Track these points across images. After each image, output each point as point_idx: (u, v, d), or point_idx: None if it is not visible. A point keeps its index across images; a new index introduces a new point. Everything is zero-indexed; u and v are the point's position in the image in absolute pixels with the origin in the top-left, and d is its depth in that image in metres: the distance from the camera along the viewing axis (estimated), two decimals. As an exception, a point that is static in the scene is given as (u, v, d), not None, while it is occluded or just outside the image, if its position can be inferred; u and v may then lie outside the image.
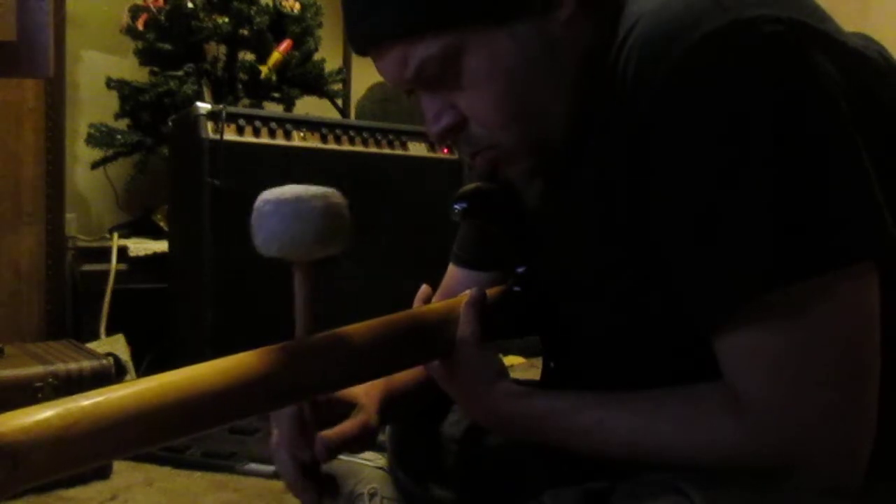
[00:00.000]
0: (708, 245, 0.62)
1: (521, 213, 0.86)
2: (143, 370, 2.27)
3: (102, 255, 2.45)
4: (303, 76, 2.88)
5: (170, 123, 2.31)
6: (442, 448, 0.95)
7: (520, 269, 0.86)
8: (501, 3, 0.67)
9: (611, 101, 0.66)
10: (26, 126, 2.29)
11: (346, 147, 2.26)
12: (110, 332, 2.34)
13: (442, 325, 0.76)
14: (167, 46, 2.68)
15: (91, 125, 2.70)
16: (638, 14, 0.65)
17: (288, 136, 2.15)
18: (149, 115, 2.68)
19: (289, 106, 2.89)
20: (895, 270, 0.61)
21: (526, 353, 2.56)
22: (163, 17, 2.69)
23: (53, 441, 0.49)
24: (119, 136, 2.69)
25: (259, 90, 2.79)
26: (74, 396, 0.52)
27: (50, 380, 1.54)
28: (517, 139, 0.71)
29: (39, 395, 1.52)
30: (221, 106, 2.07)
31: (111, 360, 1.68)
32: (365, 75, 3.25)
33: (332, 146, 2.23)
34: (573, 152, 0.73)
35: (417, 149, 2.42)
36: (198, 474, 1.62)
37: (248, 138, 2.08)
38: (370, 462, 1.10)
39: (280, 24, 2.82)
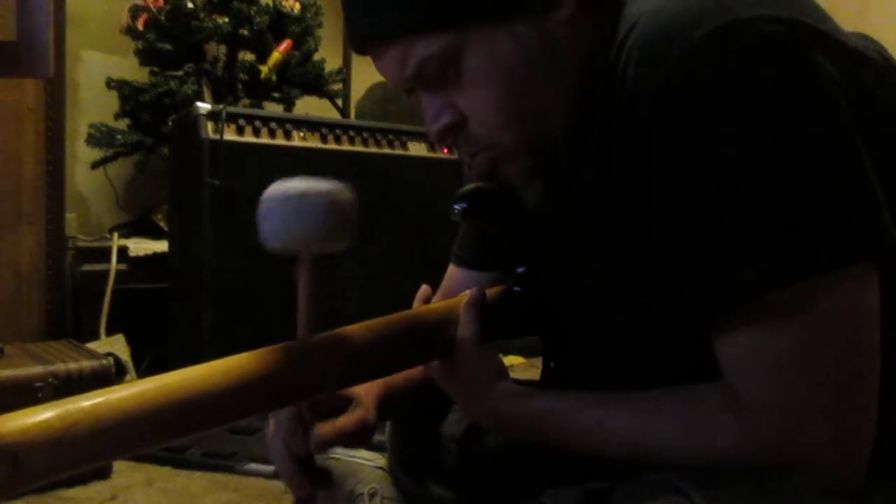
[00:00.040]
0: (708, 245, 0.62)
1: (521, 213, 0.86)
2: (143, 370, 2.27)
3: (102, 255, 2.45)
4: (303, 76, 2.88)
5: (170, 123, 2.31)
6: (442, 448, 0.95)
7: (520, 269, 0.86)
8: (501, 2, 0.67)
9: (611, 101, 0.66)
10: (26, 126, 2.29)
11: (346, 147, 2.26)
12: (110, 332, 2.34)
13: (442, 325, 0.76)
14: (167, 46, 2.68)
15: (91, 125, 2.70)
16: (638, 14, 0.65)
17: (288, 136, 2.15)
18: (149, 115, 2.68)
19: (289, 106, 2.89)
20: (895, 270, 0.61)
21: (526, 353, 2.56)
22: (163, 17, 2.69)
23: (53, 442, 0.49)
24: (119, 136, 2.69)
25: (259, 90, 2.79)
26: (75, 397, 0.52)
27: (50, 380, 1.54)
28: (517, 139, 0.71)
29: (39, 395, 1.51)
30: (221, 106, 2.06)
31: (111, 360, 1.68)
32: (365, 75, 3.25)
33: (332, 146, 2.23)
34: (573, 152, 0.72)
35: (417, 149, 2.42)
36: (198, 474, 1.61)
37: (248, 138, 2.08)
38: (370, 462, 1.10)
39: (280, 24, 2.82)
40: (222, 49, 2.83)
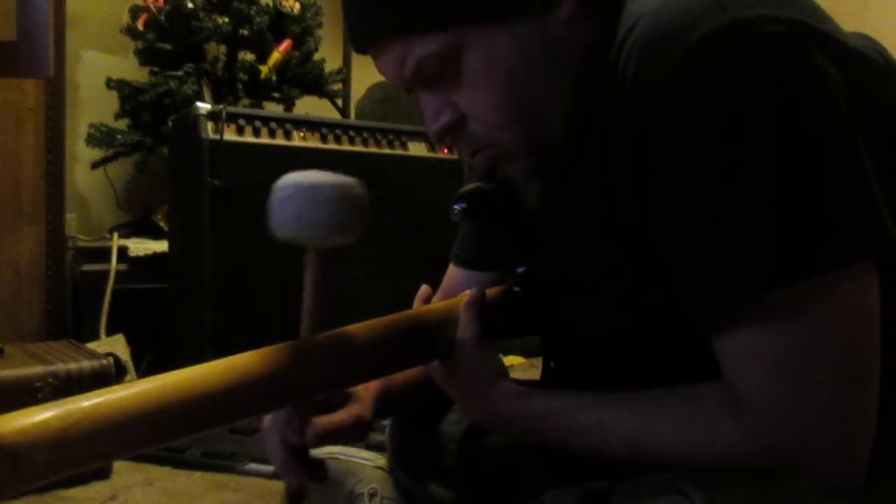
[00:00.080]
0: (708, 245, 0.62)
1: (521, 213, 0.86)
2: (143, 370, 2.27)
3: (102, 255, 2.45)
4: (303, 76, 2.88)
5: (170, 123, 2.31)
6: (442, 448, 0.95)
7: (520, 269, 0.86)
8: (501, 2, 0.67)
9: (611, 101, 0.66)
10: (26, 126, 2.29)
11: (346, 147, 2.26)
12: (110, 332, 2.34)
13: (442, 325, 0.76)
14: (167, 46, 2.68)
15: (91, 125, 2.70)
16: (638, 14, 0.65)
17: (288, 136, 2.15)
18: (149, 115, 2.68)
19: (289, 106, 2.89)
20: (895, 270, 0.61)
21: (526, 353, 2.56)
22: (163, 17, 2.69)
23: (53, 442, 0.49)
24: (119, 136, 2.69)
25: (259, 90, 2.79)
26: (74, 397, 0.52)
27: (50, 380, 1.54)
28: (516, 138, 0.71)
29: (39, 395, 1.51)
30: (221, 106, 2.06)
31: (111, 360, 1.68)
32: (365, 75, 3.25)
33: (332, 146, 2.23)
34: (573, 152, 0.72)
35: (417, 149, 2.42)
36: (198, 474, 1.61)
37: (248, 138, 2.08)
38: (370, 462, 1.10)
39: (280, 24, 2.82)
40: (222, 49, 2.83)
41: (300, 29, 2.86)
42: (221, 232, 2.00)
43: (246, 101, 2.77)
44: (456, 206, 0.85)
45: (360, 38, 0.72)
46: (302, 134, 2.17)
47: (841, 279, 0.59)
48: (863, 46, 0.68)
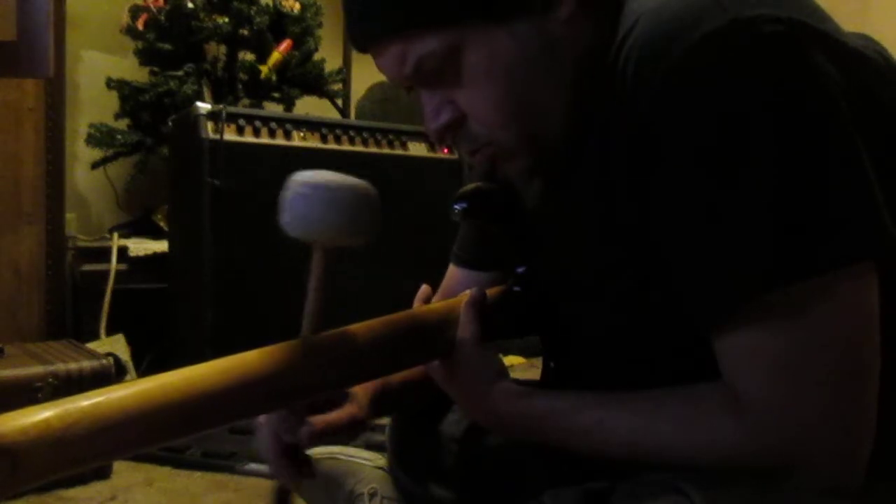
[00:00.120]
0: (708, 245, 0.62)
1: (521, 213, 0.86)
2: (143, 370, 2.27)
3: (102, 255, 2.45)
4: (303, 76, 2.88)
5: (170, 123, 2.31)
6: (442, 448, 0.95)
7: (520, 269, 0.86)
8: (501, 1, 0.67)
9: (611, 100, 0.66)
10: (26, 126, 2.29)
11: (346, 147, 2.26)
12: (110, 332, 2.34)
13: (442, 325, 0.76)
14: (167, 46, 2.68)
15: (91, 125, 2.70)
16: (638, 13, 0.65)
17: (288, 136, 2.15)
18: (149, 115, 2.69)
19: (289, 106, 2.89)
20: (895, 270, 0.61)
21: (526, 353, 2.56)
22: (163, 17, 2.69)
23: (53, 442, 0.49)
24: (119, 136, 2.69)
25: (259, 90, 2.80)
26: (74, 397, 0.52)
27: (50, 380, 1.54)
28: (516, 137, 0.71)
29: (39, 395, 1.51)
30: (221, 106, 2.06)
31: (111, 360, 1.68)
32: (365, 75, 3.25)
33: (332, 146, 2.23)
34: (573, 152, 0.72)
35: (417, 149, 2.42)
36: (198, 474, 1.61)
37: (248, 138, 2.08)
38: (370, 462, 1.10)
39: (280, 24, 2.82)
40: (222, 49, 2.83)
41: (300, 29, 2.86)
42: (221, 232, 2.01)
43: (246, 101, 2.77)
44: (456, 206, 0.85)
45: (360, 37, 0.72)
46: (302, 134, 2.17)
47: (841, 279, 0.59)
48: (863, 46, 0.68)
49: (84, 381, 1.58)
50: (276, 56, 2.77)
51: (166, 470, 1.63)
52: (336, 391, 0.80)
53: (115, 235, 2.55)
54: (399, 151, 2.38)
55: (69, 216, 2.51)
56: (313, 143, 2.19)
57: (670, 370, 0.67)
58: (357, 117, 3.19)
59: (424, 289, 0.86)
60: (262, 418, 0.77)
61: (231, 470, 1.62)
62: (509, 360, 2.52)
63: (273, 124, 2.13)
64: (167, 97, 2.60)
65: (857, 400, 0.60)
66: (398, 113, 2.93)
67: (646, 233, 0.66)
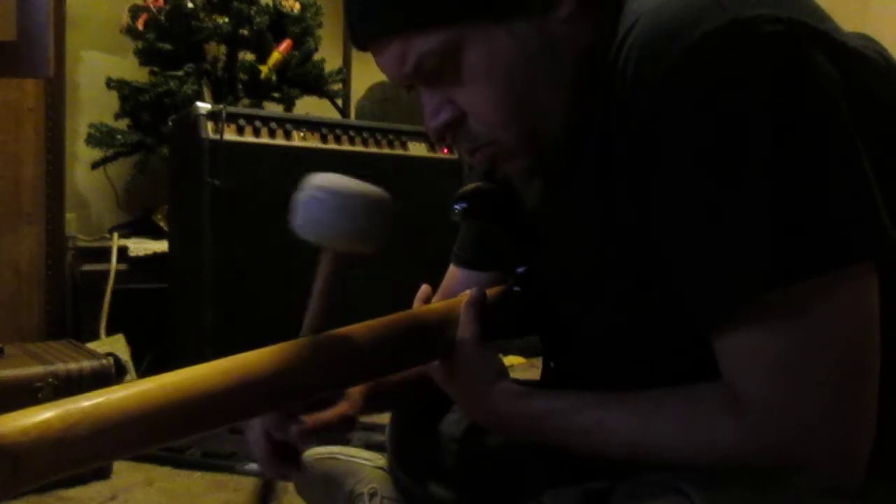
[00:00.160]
0: (708, 245, 0.62)
1: (521, 213, 0.86)
2: (143, 370, 2.27)
3: (102, 255, 2.45)
4: (303, 76, 2.88)
5: (170, 123, 2.31)
6: (442, 448, 0.95)
7: (520, 269, 0.86)
8: (501, 0, 0.67)
9: (611, 100, 0.66)
10: (26, 126, 2.29)
11: (346, 147, 2.26)
12: (110, 332, 2.34)
13: (442, 325, 0.76)
14: (167, 46, 2.68)
15: (91, 125, 2.70)
16: (638, 13, 0.65)
17: (288, 136, 2.15)
18: (149, 115, 2.68)
19: (289, 106, 2.89)
20: (895, 270, 0.61)
21: (526, 353, 2.56)
22: (163, 17, 2.69)
23: (53, 442, 0.49)
24: (119, 136, 2.69)
25: (259, 90, 2.79)
26: (75, 397, 0.52)
27: (50, 380, 1.54)
28: (516, 136, 0.71)
29: (39, 395, 1.51)
30: (221, 106, 2.06)
31: (111, 360, 1.68)
32: (365, 75, 3.25)
33: (332, 146, 2.23)
34: (573, 152, 0.72)
35: (417, 149, 2.42)
36: (198, 474, 1.61)
37: (248, 138, 2.08)
38: (370, 462, 1.10)
39: (280, 24, 2.82)
40: (222, 49, 2.83)
41: (300, 29, 2.86)
42: (221, 232, 2.00)
43: (246, 101, 2.77)
44: (456, 206, 0.85)
45: (360, 35, 0.72)
46: (302, 134, 2.17)
47: (840, 279, 0.59)
48: (863, 46, 0.68)
49: (84, 381, 1.58)
50: (276, 56, 2.77)
51: (166, 470, 1.63)
52: (336, 391, 0.80)
53: (115, 235, 2.55)
54: (399, 151, 2.38)
55: (69, 216, 2.51)
56: (313, 143, 2.19)
57: (670, 370, 0.67)
58: (357, 117, 3.18)
59: (424, 289, 0.86)
60: None
61: (231, 470, 1.62)
62: (509, 360, 2.52)
63: (273, 124, 2.13)
64: (167, 97, 2.60)
65: (856, 400, 0.60)
66: (398, 113, 2.93)
67: (646, 232, 0.66)
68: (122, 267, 2.44)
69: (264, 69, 2.74)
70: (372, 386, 0.85)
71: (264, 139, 2.11)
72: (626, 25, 0.66)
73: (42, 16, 1.67)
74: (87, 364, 1.61)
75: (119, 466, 1.60)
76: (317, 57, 2.94)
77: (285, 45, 2.80)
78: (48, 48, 1.68)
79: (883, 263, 0.60)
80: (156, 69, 2.75)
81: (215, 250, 2.00)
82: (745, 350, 0.62)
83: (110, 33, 2.89)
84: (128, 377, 2.13)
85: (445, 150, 2.41)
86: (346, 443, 1.44)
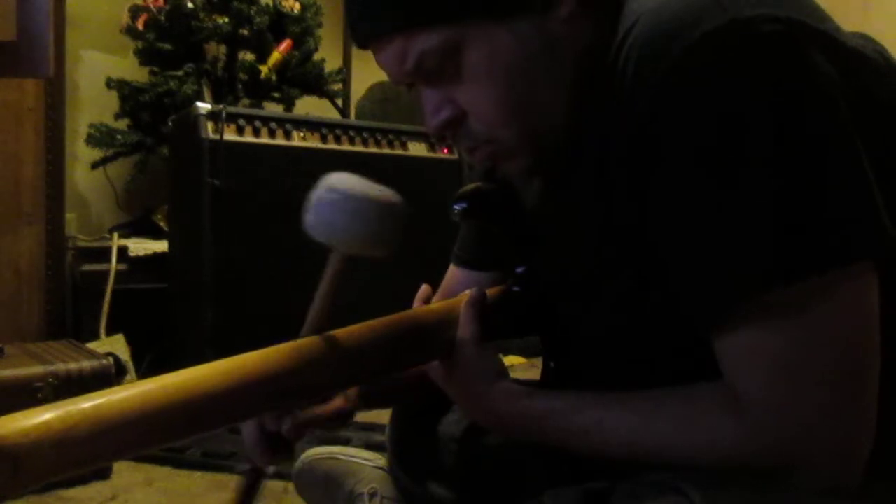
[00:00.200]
0: (708, 244, 0.62)
1: (520, 213, 0.86)
2: (143, 370, 2.27)
3: (102, 255, 2.45)
4: (303, 76, 2.88)
5: (170, 123, 2.31)
6: (442, 448, 0.95)
7: (519, 269, 0.86)
8: None
9: (610, 100, 0.66)
10: (26, 126, 2.29)
11: (346, 147, 2.26)
12: (110, 332, 2.34)
13: (442, 325, 0.76)
14: (167, 46, 2.68)
15: (91, 125, 2.69)
16: (638, 13, 0.65)
17: (288, 136, 2.15)
18: (149, 115, 2.68)
19: (289, 106, 2.89)
20: (894, 270, 0.61)
21: (526, 353, 2.56)
22: (163, 17, 2.69)
23: (54, 444, 0.49)
24: (119, 136, 2.69)
25: (259, 90, 2.79)
26: (75, 398, 0.52)
27: (50, 380, 1.54)
28: (516, 136, 0.71)
29: (39, 396, 1.51)
30: (221, 106, 2.06)
31: (111, 360, 1.68)
32: (365, 75, 3.25)
33: (332, 146, 2.23)
34: (573, 152, 0.73)
35: (417, 149, 2.42)
36: (198, 474, 1.61)
37: (248, 138, 2.08)
38: (370, 462, 1.10)
39: (280, 24, 2.82)
40: (222, 49, 2.83)
41: (300, 29, 2.86)
42: (221, 232, 2.00)
43: (246, 101, 2.77)
44: (456, 206, 0.85)
45: (361, 34, 0.72)
46: (302, 134, 2.17)
47: (840, 279, 0.59)
48: (862, 46, 0.68)
49: (84, 381, 1.58)
50: (276, 56, 2.77)
51: (166, 470, 1.63)
52: (336, 391, 0.80)
53: (115, 235, 2.55)
54: (399, 151, 2.38)
55: (69, 216, 2.51)
56: (313, 143, 2.19)
57: (670, 370, 0.67)
58: (357, 117, 3.18)
59: (424, 289, 0.86)
60: None
61: (231, 470, 1.62)
62: (509, 360, 2.52)
63: (273, 124, 2.13)
64: (167, 97, 2.60)
65: (856, 399, 0.60)
66: (398, 113, 2.93)
67: (645, 232, 0.66)
68: (122, 267, 2.44)
69: (264, 69, 2.74)
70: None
71: (264, 139, 2.11)
72: (626, 25, 0.66)
73: (42, 16, 1.67)
74: (87, 364, 1.61)
75: (119, 466, 1.60)
76: (317, 57, 2.94)
77: (285, 45, 2.80)
78: (48, 48, 1.68)
79: (883, 263, 0.60)
80: (156, 69, 2.75)
81: (215, 250, 2.00)
82: (745, 350, 0.62)
83: (110, 33, 2.89)
84: (128, 377, 2.13)
85: (445, 150, 2.41)
86: (345, 443, 1.44)
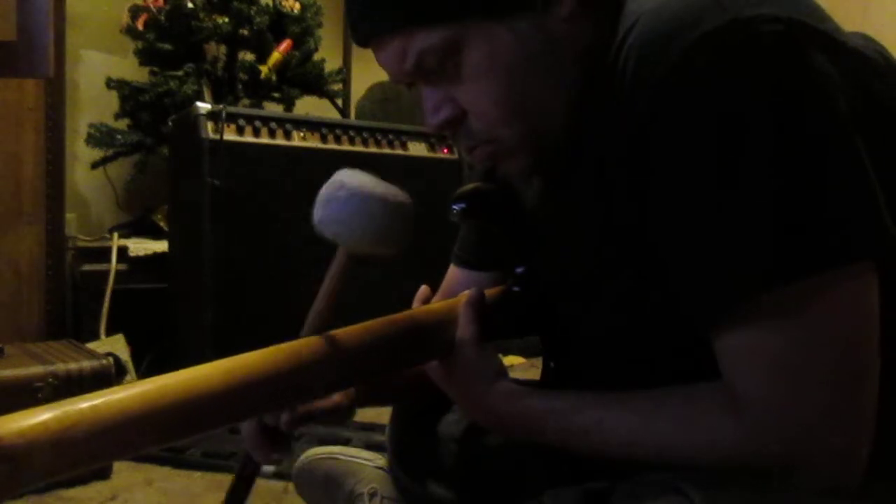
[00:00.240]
0: (707, 244, 0.62)
1: (520, 213, 0.86)
2: (143, 370, 2.27)
3: (102, 255, 2.45)
4: (303, 76, 2.88)
5: (170, 123, 2.31)
6: (442, 448, 0.95)
7: (519, 269, 0.86)
8: None
9: (610, 100, 0.66)
10: (26, 126, 2.29)
11: (346, 147, 2.26)
12: (110, 332, 2.34)
13: (441, 325, 0.76)
14: (167, 46, 2.68)
15: (91, 125, 2.69)
16: (638, 13, 0.65)
17: (288, 136, 2.15)
18: (149, 115, 2.68)
19: (289, 106, 2.89)
20: (895, 270, 0.61)
21: (526, 353, 2.56)
22: (163, 17, 2.69)
23: (53, 444, 0.49)
24: (119, 136, 2.69)
25: (259, 90, 2.79)
26: (74, 398, 0.52)
27: (50, 380, 1.54)
28: (515, 135, 0.71)
29: (39, 395, 1.51)
30: (221, 106, 2.06)
31: (111, 360, 1.68)
32: (365, 75, 3.25)
33: (332, 146, 2.23)
34: (573, 152, 0.72)
35: (417, 149, 2.42)
36: (198, 474, 1.61)
37: (248, 138, 2.08)
38: (370, 462, 1.10)
39: (280, 24, 2.82)
40: (222, 49, 2.82)
41: (300, 29, 2.86)
42: (221, 232, 2.00)
43: (246, 101, 2.77)
44: (455, 207, 0.85)
45: (361, 32, 0.72)
46: (302, 134, 2.17)
47: (840, 279, 0.59)
48: (863, 46, 0.68)
49: (84, 381, 1.58)
50: (276, 56, 2.77)
51: (166, 470, 1.63)
52: (336, 391, 0.80)
53: (115, 235, 2.55)
54: (399, 151, 2.38)
55: (69, 216, 2.51)
56: (313, 143, 2.19)
57: (670, 370, 0.67)
58: (357, 117, 3.18)
59: (424, 289, 0.86)
60: None
61: (231, 470, 1.61)
62: (509, 360, 2.53)
63: (273, 124, 2.13)
64: (167, 97, 2.60)
65: (856, 399, 0.60)
66: (398, 113, 2.93)
67: (645, 232, 0.66)
68: (122, 267, 2.44)
69: (264, 69, 2.74)
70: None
71: (264, 139, 2.11)
72: (626, 25, 0.66)
73: (42, 16, 1.67)
74: (87, 364, 1.61)
75: (119, 466, 1.60)
76: (317, 57, 2.94)
77: (285, 45, 2.80)
78: (48, 48, 1.68)
79: (883, 263, 0.60)
80: (156, 69, 2.75)
81: (215, 250, 2.00)
82: (745, 349, 0.62)
83: (110, 33, 2.89)
84: (128, 377, 2.14)
85: (445, 150, 2.41)
86: (346, 443, 1.44)
